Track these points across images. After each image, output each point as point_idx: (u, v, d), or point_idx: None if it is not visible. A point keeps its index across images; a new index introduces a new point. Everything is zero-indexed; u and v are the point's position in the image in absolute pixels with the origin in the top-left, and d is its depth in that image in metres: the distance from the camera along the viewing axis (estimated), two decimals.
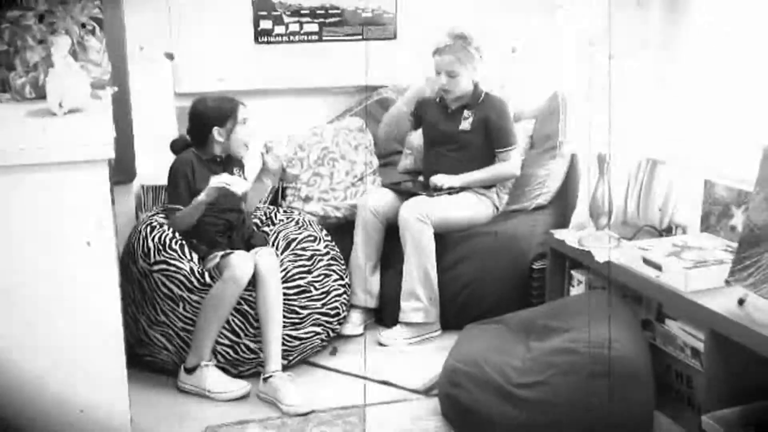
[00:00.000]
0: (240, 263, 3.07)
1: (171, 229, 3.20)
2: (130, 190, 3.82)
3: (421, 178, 3.80)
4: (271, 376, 3.04)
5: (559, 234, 3.35)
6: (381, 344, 3.42)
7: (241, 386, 3.09)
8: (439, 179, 3.58)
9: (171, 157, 3.34)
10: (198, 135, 3.29)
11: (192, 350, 3.11)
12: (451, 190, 3.59)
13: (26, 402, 2.32)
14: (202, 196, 3.17)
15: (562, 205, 3.79)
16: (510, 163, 3.61)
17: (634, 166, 3.40)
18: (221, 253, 3.16)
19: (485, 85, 3.70)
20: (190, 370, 3.10)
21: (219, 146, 3.29)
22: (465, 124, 3.63)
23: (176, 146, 3.37)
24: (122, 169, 3.64)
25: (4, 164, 2.19)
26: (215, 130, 3.25)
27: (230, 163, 3.39)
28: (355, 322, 3.61)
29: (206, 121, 3.26)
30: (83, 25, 3.00)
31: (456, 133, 3.63)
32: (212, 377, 3.08)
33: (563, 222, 3.64)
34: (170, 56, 3.71)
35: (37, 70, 2.90)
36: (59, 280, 2.28)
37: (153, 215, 3.36)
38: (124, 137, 3.56)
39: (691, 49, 3.18)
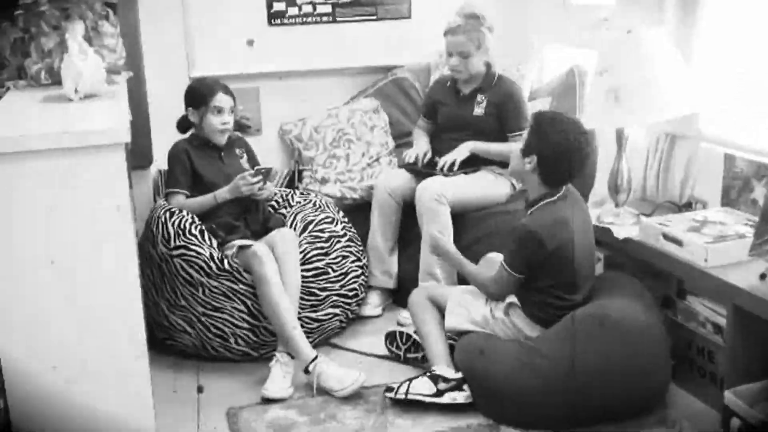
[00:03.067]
0: (264, 259, 3.07)
1: (190, 214, 3.22)
2: (148, 175, 3.84)
3: (436, 159, 3.78)
4: (311, 364, 2.98)
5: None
6: (399, 324, 3.42)
7: (354, 379, 2.92)
8: (447, 158, 3.55)
9: None
10: (186, 116, 3.39)
11: (295, 354, 3.02)
12: (467, 170, 3.57)
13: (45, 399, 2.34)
14: (226, 194, 3.26)
15: (580, 182, 3.75)
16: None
17: (653, 141, 3.37)
18: (239, 243, 3.18)
19: (498, 65, 3.67)
20: (306, 371, 3.00)
21: (199, 129, 3.35)
22: (478, 110, 3.59)
23: (181, 125, 3.43)
24: (139, 154, 3.66)
25: (21, 150, 2.19)
26: (189, 111, 3.34)
27: (231, 144, 3.41)
28: (374, 304, 3.61)
29: (186, 101, 3.35)
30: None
31: (470, 118, 3.59)
32: (326, 373, 2.96)
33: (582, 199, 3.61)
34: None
35: (52, 56, 2.91)
36: (78, 266, 2.29)
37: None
38: (141, 122, 3.58)
39: (711, 21, 3.13)
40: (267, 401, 2.91)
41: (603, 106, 3.07)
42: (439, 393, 2.79)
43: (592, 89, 3.35)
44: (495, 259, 3.13)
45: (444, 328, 2.94)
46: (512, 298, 2.85)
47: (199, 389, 3.04)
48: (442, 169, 3.53)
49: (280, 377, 2.98)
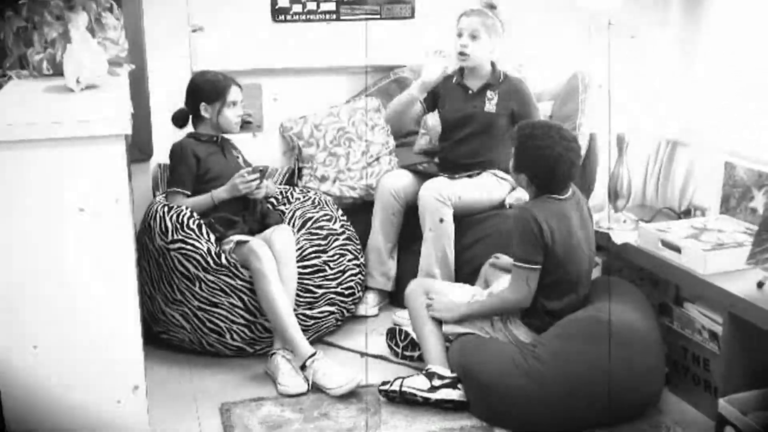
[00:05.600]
0: (261, 255, 3.07)
1: (189, 209, 3.21)
2: (148, 169, 3.83)
3: (437, 160, 3.77)
4: (309, 360, 2.98)
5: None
6: (395, 324, 3.41)
7: (349, 378, 2.91)
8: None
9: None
10: (191, 109, 3.37)
11: (293, 350, 3.03)
12: (471, 173, 3.57)
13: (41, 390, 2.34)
14: (223, 194, 3.26)
15: (581, 186, 3.75)
16: None
17: (653, 148, 3.37)
18: (236, 239, 3.18)
19: (502, 65, 3.67)
20: (302, 368, 3.00)
21: (209, 124, 3.33)
22: (490, 106, 3.57)
23: (177, 119, 3.42)
24: (139, 147, 3.66)
25: (21, 139, 2.19)
26: (202, 106, 3.31)
27: (227, 143, 3.42)
28: (370, 303, 3.61)
29: (196, 96, 3.33)
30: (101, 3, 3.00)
31: (480, 114, 3.57)
32: (322, 370, 2.95)
33: None
34: (198, 28, 3.72)
35: (54, 46, 2.90)
36: (74, 255, 2.29)
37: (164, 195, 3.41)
38: (142, 115, 3.57)
39: (712, 30, 3.13)
40: (260, 399, 2.91)
41: (604, 111, 3.07)
42: (434, 389, 2.80)
43: (594, 94, 3.36)
44: (497, 263, 3.13)
45: (441, 328, 2.93)
46: None
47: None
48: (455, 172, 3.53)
49: (292, 372, 2.98)
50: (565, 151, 2.74)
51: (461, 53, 3.55)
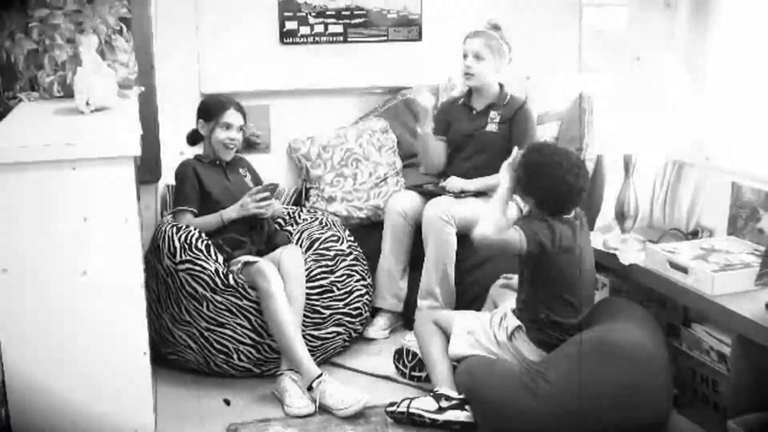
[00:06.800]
0: (269, 275, 3.07)
1: (197, 230, 3.23)
2: (156, 190, 3.85)
3: (441, 183, 3.78)
4: (315, 381, 2.97)
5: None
6: (403, 347, 3.40)
7: (357, 399, 2.90)
8: (453, 184, 3.57)
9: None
10: (197, 129, 3.44)
11: (299, 371, 3.03)
12: (477, 193, 3.58)
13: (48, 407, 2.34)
14: (232, 214, 3.28)
15: (588, 207, 3.75)
16: None
17: (660, 169, 3.37)
18: (244, 259, 3.19)
19: (509, 87, 3.69)
20: (309, 389, 2.99)
21: (207, 143, 3.39)
22: (492, 126, 3.59)
23: (191, 137, 3.48)
24: (148, 169, 3.67)
25: (32, 160, 2.22)
26: (200, 123, 3.39)
27: (235, 164, 3.44)
28: (380, 326, 3.61)
29: (197, 114, 3.41)
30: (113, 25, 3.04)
31: (481, 133, 3.60)
32: (329, 391, 2.94)
33: (588, 224, 3.60)
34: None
35: (65, 69, 2.94)
36: (84, 276, 2.30)
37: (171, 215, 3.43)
38: (151, 137, 3.60)
39: (719, 51, 3.14)
40: (267, 420, 2.90)
41: (610, 133, 3.08)
42: (441, 410, 2.79)
43: (600, 116, 3.37)
44: (509, 284, 3.12)
45: (448, 351, 2.93)
46: (517, 322, 2.84)
47: (227, 402, 3.03)
48: (449, 190, 3.54)
49: (299, 393, 2.98)
50: (574, 178, 2.74)
51: (466, 74, 3.58)
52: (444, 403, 2.80)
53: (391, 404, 2.87)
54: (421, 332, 3.01)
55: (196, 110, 3.42)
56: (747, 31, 3.03)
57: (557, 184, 2.74)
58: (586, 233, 2.88)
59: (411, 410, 2.81)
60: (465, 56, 3.57)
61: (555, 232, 2.72)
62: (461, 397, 2.81)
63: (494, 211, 2.76)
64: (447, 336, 2.96)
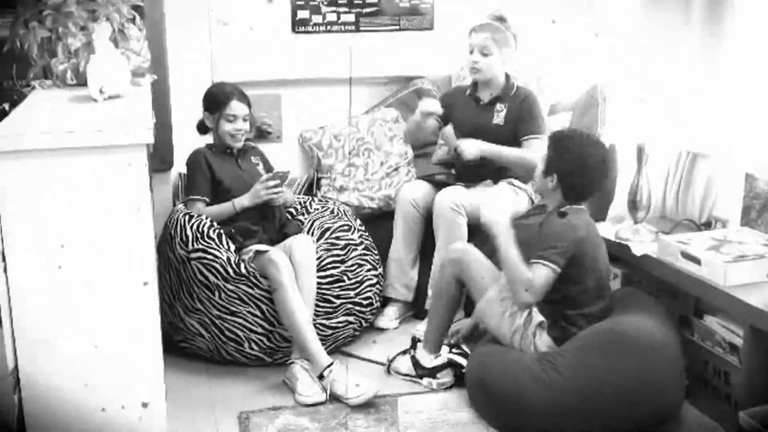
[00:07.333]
0: (281, 265, 3.08)
1: (209, 218, 3.24)
2: (168, 178, 3.86)
3: (453, 171, 3.78)
4: (326, 370, 2.98)
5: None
6: (415, 336, 3.41)
7: (367, 388, 2.92)
8: (470, 147, 3.50)
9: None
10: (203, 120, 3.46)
11: (310, 359, 3.04)
12: (487, 182, 3.57)
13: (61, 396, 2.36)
14: (245, 202, 3.29)
15: (600, 197, 3.74)
16: (533, 150, 3.48)
17: (673, 159, 3.36)
18: (255, 248, 3.20)
19: (520, 78, 3.67)
20: (320, 377, 3.00)
21: (215, 134, 3.40)
22: (498, 118, 3.58)
23: (201, 127, 3.49)
24: (160, 157, 3.69)
25: (45, 148, 2.22)
26: (205, 115, 3.40)
27: (247, 152, 3.44)
28: (390, 316, 3.61)
29: (203, 106, 3.41)
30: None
31: (489, 127, 3.57)
32: (340, 380, 2.95)
33: (601, 215, 3.59)
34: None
35: (78, 56, 2.94)
36: (97, 264, 2.31)
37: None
38: (163, 125, 3.61)
39: (733, 41, 3.12)
40: (278, 408, 2.92)
41: (624, 123, 3.07)
42: (420, 376, 3.08)
43: (614, 105, 3.35)
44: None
45: (453, 313, 3.09)
46: (540, 317, 2.82)
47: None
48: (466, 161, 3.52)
49: (310, 381, 2.99)
50: (601, 160, 2.77)
51: (473, 68, 3.56)
52: (420, 371, 3.08)
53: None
54: (440, 284, 3.10)
55: (201, 101, 3.42)
56: (762, 23, 3.00)
57: (588, 160, 2.75)
58: (594, 224, 2.88)
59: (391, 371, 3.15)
60: (471, 51, 3.55)
61: (574, 227, 2.72)
62: (435, 364, 3.05)
63: (520, 274, 2.72)
64: (463, 290, 3.06)
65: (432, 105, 3.58)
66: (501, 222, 2.84)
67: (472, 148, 3.50)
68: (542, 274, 2.68)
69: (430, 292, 3.45)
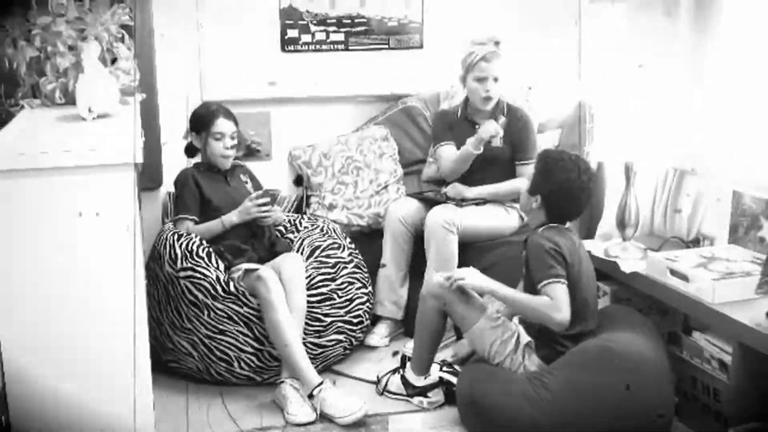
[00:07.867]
0: (270, 283, 3.07)
1: (198, 237, 3.23)
2: (157, 197, 3.85)
3: (443, 189, 3.78)
4: (316, 389, 2.97)
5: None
6: (404, 354, 3.40)
7: (357, 407, 2.91)
8: (456, 190, 3.57)
9: None
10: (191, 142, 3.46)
11: (300, 378, 3.02)
12: (478, 201, 3.58)
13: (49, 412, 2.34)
14: (234, 218, 3.28)
15: (588, 215, 3.76)
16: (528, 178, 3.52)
17: (661, 176, 3.38)
18: (245, 266, 3.19)
19: (507, 95, 3.69)
20: (310, 396, 2.99)
21: (204, 154, 3.40)
22: (496, 140, 3.56)
23: (188, 150, 3.49)
24: (149, 176, 3.68)
25: (33, 167, 2.21)
26: (192, 135, 3.40)
27: (235, 170, 3.45)
28: (381, 334, 3.60)
29: (190, 126, 3.42)
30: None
31: (488, 150, 3.54)
32: (329, 400, 2.95)
33: (589, 232, 3.61)
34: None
35: (67, 75, 2.94)
36: (85, 284, 2.30)
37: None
38: (152, 144, 3.60)
39: (719, 58, 3.15)
40: (268, 428, 2.90)
41: (611, 141, 3.08)
42: (410, 395, 3.07)
43: (600, 123, 3.37)
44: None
45: (438, 339, 3.05)
46: (527, 337, 2.83)
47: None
48: (450, 197, 3.54)
49: (300, 401, 2.97)
50: (585, 184, 2.78)
51: (487, 98, 3.56)
52: (410, 390, 3.08)
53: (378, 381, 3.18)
54: (425, 312, 3.02)
55: (188, 123, 3.42)
56: (748, 39, 3.03)
57: (572, 183, 2.76)
58: (581, 244, 2.89)
59: (385, 394, 3.12)
60: (482, 80, 3.54)
61: (561, 247, 2.72)
62: (425, 384, 3.04)
63: (538, 303, 2.70)
64: (446, 320, 3.01)
65: (494, 127, 3.49)
66: (480, 280, 2.86)
67: (458, 191, 3.58)
68: (558, 291, 2.68)
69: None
